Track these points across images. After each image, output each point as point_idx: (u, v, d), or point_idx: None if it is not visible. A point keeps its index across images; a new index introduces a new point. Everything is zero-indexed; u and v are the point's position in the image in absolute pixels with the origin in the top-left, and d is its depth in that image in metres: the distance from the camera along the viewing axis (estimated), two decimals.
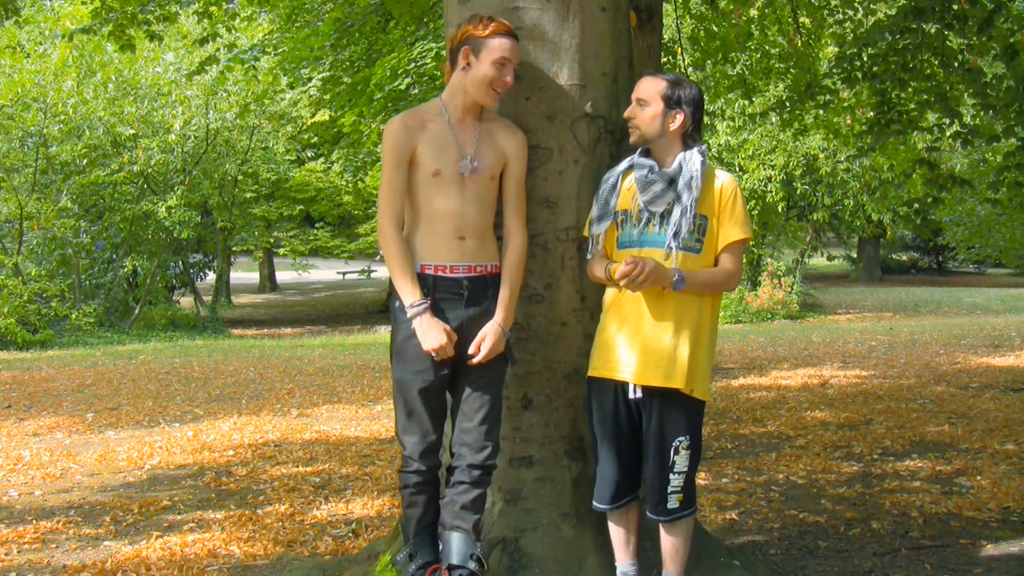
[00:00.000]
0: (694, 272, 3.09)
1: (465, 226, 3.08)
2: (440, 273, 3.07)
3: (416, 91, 8.87)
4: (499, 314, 3.12)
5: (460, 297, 3.08)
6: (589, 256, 3.26)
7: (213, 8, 8.45)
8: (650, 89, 3.14)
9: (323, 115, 15.13)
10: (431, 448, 3.13)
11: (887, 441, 6.62)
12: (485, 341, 3.08)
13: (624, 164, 3.24)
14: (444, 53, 3.66)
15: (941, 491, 5.24)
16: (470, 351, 3.09)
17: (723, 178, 3.18)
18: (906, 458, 6.12)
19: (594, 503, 3.27)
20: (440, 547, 3.18)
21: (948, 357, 11.69)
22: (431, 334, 3.01)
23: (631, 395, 3.13)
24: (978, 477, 5.53)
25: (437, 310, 3.06)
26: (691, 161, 3.12)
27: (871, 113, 7.55)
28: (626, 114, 3.19)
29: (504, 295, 3.14)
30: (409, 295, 3.03)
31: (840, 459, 6.11)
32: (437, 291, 3.06)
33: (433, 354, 3.02)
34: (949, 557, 4.14)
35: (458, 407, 3.16)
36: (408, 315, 3.03)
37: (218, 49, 9.14)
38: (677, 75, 3.21)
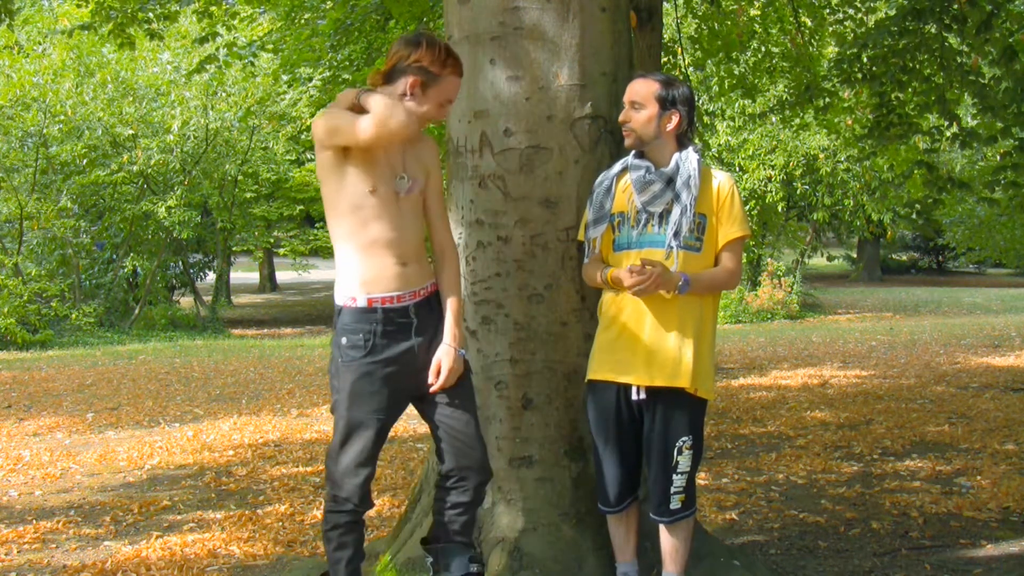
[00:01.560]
0: (698, 274, 3.09)
1: (406, 252, 2.94)
2: (388, 304, 2.92)
3: None
4: (448, 334, 2.99)
5: (408, 325, 2.95)
6: (585, 260, 3.26)
7: (213, 8, 8.46)
8: (643, 91, 3.13)
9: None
10: (368, 490, 2.97)
11: (887, 441, 6.62)
12: (442, 367, 2.96)
13: (618, 166, 3.23)
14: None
15: (941, 491, 5.24)
16: (429, 379, 2.97)
17: (720, 177, 3.19)
18: (906, 458, 6.12)
19: (599, 506, 3.27)
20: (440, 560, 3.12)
21: (948, 357, 11.69)
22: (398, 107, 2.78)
23: (635, 397, 3.13)
24: (978, 477, 5.53)
25: (385, 344, 2.91)
26: (688, 160, 3.13)
27: (870, 114, 7.55)
28: (621, 118, 3.18)
29: (451, 315, 3.01)
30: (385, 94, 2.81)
31: (840, 459, 6.11)
32: (386, 324, 2.90)
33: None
34: (949, 557, 4.14)
35: (442, 429, 3.03)
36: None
37: (218, 48, 9.15)
38: (667, 75, 3.22)
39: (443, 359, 2.96)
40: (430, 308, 3.00)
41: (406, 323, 2.94)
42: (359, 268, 2.92)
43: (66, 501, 5.41)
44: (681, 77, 8.91)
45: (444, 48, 2.90)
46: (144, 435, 7.47)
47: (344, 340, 2.93)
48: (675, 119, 3.13)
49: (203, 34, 8.61)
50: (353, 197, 2.89)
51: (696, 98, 3.31)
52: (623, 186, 3.19)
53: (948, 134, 6.76)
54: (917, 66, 6.64)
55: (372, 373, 2.90)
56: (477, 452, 3.04)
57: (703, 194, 3.13)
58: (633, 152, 3.21)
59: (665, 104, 3.12)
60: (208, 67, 9.05)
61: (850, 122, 10.02)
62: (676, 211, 3.09)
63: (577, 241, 3.37)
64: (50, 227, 18.49)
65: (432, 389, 2.97)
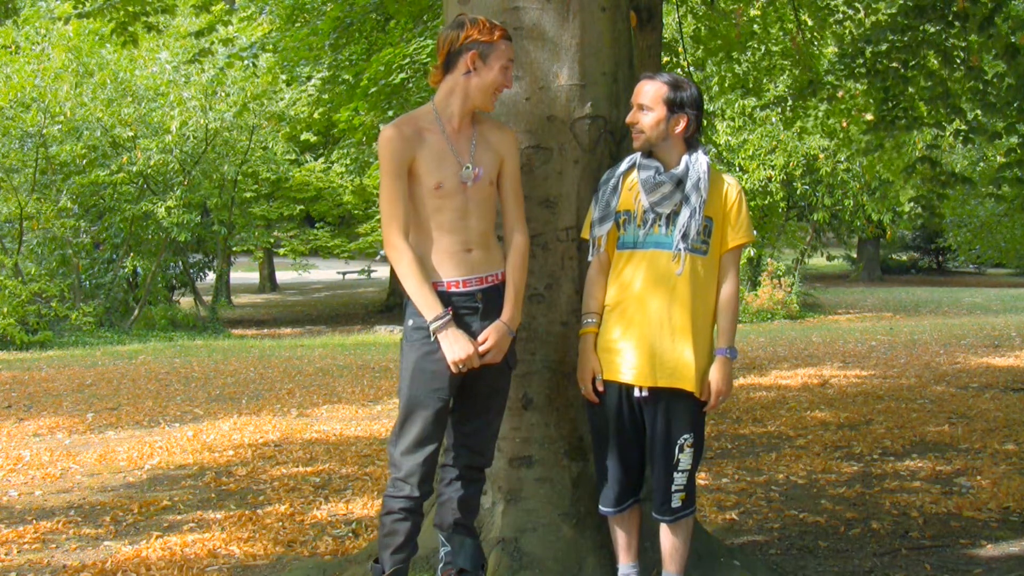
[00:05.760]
0: (728, 331, 3.19)
1: (471, 239, 3.03)
2: (453, 289, 3.01)
3: (412, 85, 8.89)
4: (505, 313, 3.06)
5: (475, 311, 3.03)
6: (590, 259, 3.25)
7: (214, 8, 8.49)
8: (652, 94, 3.12)
9: (321, 110, 15.01)
10: (429, 474, 3.02)
11: (887, 441, 6.62)
12: (488, 340, 3.01)
13: (624, 165, 3.23)
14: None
15: (941, 491, 5.24)
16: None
17: (729, 181, 3.21)
18: (906, 458, 6.11)
19: (600, 507, 3.27)
20: (452, 550, 3.15)
21: (948, 357, 11.68)
22: (457, 345, 2.93)
23: (636, 395, 3.14)
24: (978, 477, 5.53)
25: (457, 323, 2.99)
26: (698, 163, 3.13)
27: (868, 116, 7.55)
28: (628, 120, 3.18)
29: (510, 294, 3.08)
30: (431, 309, 2.94)
31: (840, 459, 6.10)
32: (453, 308, 2.98)
33: (459, 366, 2.94)
34: (949, 557, 4.14)
35: (461, 410, 3.10)
36: (432, 328, 2.94)
37: (213, 42, 9.16)
38: (675, 76, 3.21)
39: (491, 332, 3.03)
40: (499, 295, 3.08)
41: (472, 307, 3.03)
42: (423, 256, 3.01)
43: (66, 501, 5.41)
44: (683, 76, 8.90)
45: (487, 19, 3.05)
46: (144, 435, 7.47)
47: (411, 322, 3.03)
48: (683, 122, 3.13)
49: (200, 28, 8.64)
50: (418, 189, 3.00)
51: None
52: (629, 184, 3.19)
53: (951, 129, 6.76)
54: (921, 61, 6.64)
55: (435, 352, 2.97)
56: (481, 439, 3.12)
57: (712, 197, 3.14)
58: (641, 151, 3.20)
59: (673, 107, 3.12)
60: (203, 59, 9.07)
61: (845, 124, 10.00)
62: (685, 213, 3.09)
63: (578, 240, 3.36)
64: (50, 227, 18.47)
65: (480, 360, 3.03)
